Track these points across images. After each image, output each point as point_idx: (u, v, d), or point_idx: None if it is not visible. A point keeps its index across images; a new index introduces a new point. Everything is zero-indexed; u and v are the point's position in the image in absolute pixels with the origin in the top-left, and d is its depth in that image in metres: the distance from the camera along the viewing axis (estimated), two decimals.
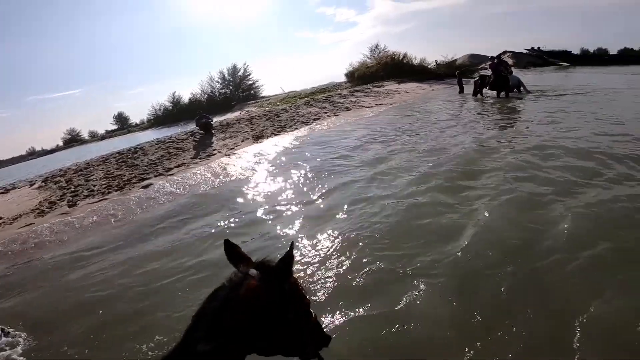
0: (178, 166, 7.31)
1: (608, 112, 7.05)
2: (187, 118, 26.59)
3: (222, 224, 4.17)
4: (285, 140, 8.45)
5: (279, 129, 9.48)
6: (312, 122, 10.02)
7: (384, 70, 22.49)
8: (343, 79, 29.32)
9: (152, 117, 40.29)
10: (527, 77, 16.05)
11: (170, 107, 37.14)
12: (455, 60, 30.19)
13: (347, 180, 4.90)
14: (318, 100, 13.77)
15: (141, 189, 6.08)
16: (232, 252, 0.99)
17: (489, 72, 13.43)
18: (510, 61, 20.34)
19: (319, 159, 6.27)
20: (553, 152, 4.77)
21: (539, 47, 64.92)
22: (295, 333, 0.93)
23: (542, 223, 2.97)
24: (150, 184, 6.24)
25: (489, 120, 8.07)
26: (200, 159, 7.75)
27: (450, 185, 4.13)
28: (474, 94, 12.84)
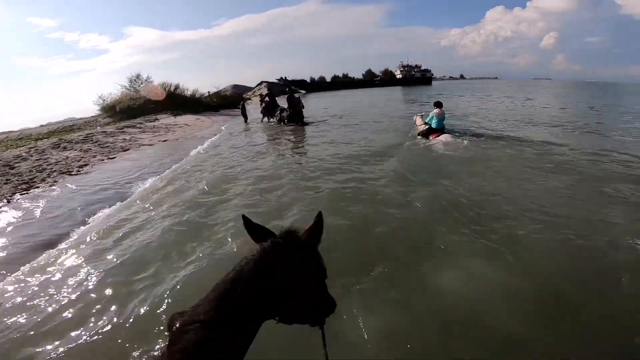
0: None
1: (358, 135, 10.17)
2: None
3: None
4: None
5: (23, 184, 6.62)
6: (79, 171, 7.76)
7: (155, 103, 20.92)
8: (93, 113, 24.84)
9: None
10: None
11: None
12: (219, 91, 32.42)
13: None
14: (74, 142, 10.83)
15: None
16: (252, 226, 1.01)
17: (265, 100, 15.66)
18: (266, 90, 23.61)
19: None
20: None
21: (285, 77, 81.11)
22: (314, 300, 0.98)
23: None
24: None
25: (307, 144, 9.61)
26: None
27: None
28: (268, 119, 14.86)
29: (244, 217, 1.03)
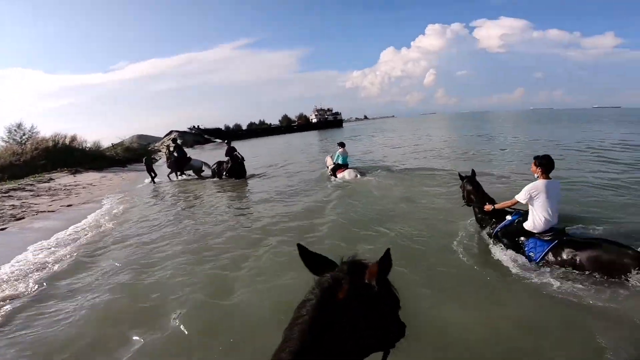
0: None
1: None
2: None
3: None
4: None
5: None
6: None
7: (47, 158, 17.94)
8: None
9: None
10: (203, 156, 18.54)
11: None
12: (124, 142, 29.80)
13: None
14: None
15: None
16: (308, 255, 0.97)
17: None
18: (179, 141, 21.62)
19: None
20: None
21: (198, 126, 78.50)
22: (389, 325, 0.97)
23: None
24: None
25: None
26: None
27: None
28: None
29: (298, 245, 1.00)
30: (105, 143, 25.71)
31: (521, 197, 3.45)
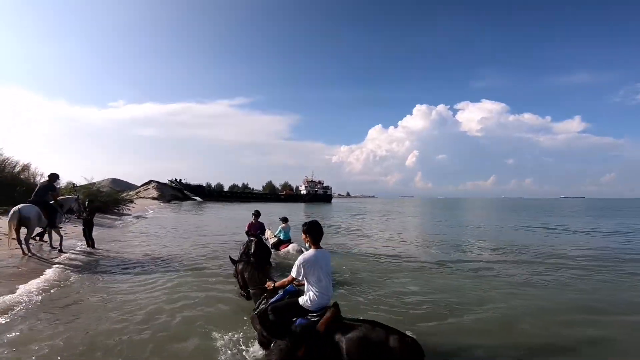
0: None
1: None
2: None
3: None
4: None
5: None
6: None
7: None
8: None
9: None
10: (186, 216, 17.25)
11: None
12: (94, 184, 27.43)
13: None
14: None
15: None
16: None
17: None
18: (155, 193, 19.48)
19: None
20: None
21: (179, 180, 77.30)
22: None
23: None
24: None
25: None
26: None
27: None
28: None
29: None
30: (81, 181, 22.33)
31: (294, 272, 3.22)
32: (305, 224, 3.38)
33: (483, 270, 8.32)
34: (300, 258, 3.19)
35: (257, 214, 9.48)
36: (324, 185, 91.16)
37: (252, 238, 7.63)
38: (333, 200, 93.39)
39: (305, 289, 3.24)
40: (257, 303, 3.80)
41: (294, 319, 3.19)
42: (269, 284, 3.73)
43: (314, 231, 3.29)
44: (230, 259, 4.67)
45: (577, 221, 25.34)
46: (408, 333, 3.10)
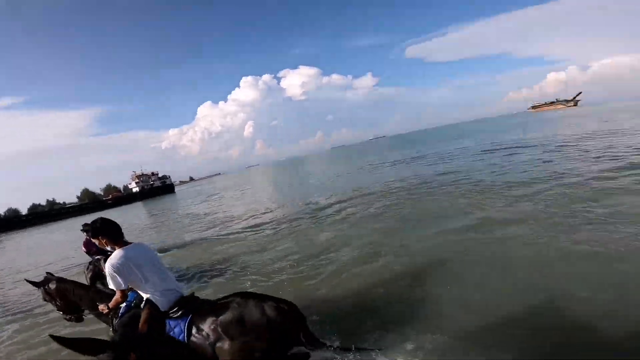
0: None
1: None
2: None
3: None
4: None
5: None
6: None
7: None
8: None
9: None
10: None
11: None
12: None
13: None
14: None
15: None
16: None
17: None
18: None
19: None
20: None
21: None
22: None
23: None
24: None
25: None
26: None
27: None
28: None
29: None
30: None
31: (112, 284, 2.61)
32: (89, 228, 2.77)
33: (341, 214, 9.52)
34: (108, 266, 2.58)
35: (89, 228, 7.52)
36: (161, 175, 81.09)
37: (98, 257, 6.08)
38: (176, 188, 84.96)
39: (142, 294, 2.75)
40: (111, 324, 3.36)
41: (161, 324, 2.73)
42: (102, 308, 3.13)
43: (107, 230, 2.69)
44: (30, 282, 3.92)
45: (392, 155, 32.03)
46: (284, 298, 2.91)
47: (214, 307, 2.69)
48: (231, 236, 9.80)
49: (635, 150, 10.36)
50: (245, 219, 12.30)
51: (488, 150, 18.11)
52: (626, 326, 2.85)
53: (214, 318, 2.60)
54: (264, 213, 12.75)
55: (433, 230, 6.23)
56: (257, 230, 9.80)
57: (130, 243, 2.76)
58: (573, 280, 3.68)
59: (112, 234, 2.70)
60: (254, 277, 5.79)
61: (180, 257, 8.51)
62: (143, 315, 2.62)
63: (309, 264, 5.85)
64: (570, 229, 5.05)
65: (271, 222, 10.62)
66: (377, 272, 4.88)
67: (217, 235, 10.45)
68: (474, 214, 6.77)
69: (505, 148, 17.39)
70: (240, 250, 7.87)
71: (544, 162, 11.16)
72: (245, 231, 10.05)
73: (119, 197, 73.55)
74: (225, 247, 8.52)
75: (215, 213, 16.66)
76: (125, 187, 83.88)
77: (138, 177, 77.71)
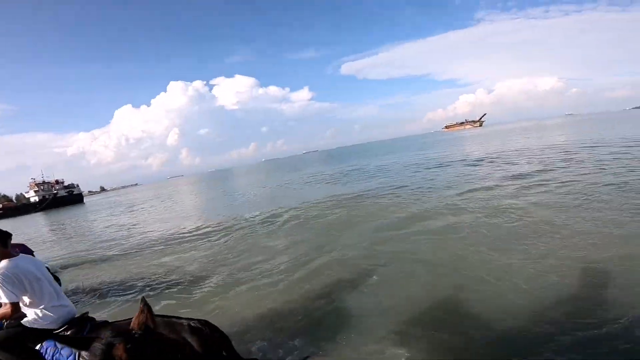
0: None
1: None
2: None
3: None
4: None
5: None
6: None
7: None
8: None
9: None
10: None
11: None
12: None
13: None
14: None
15: None
16: None
17: None
18: None
19: None
20: None
21: None
22: None
23: None
24: None
25: None
26: None
27: None
28: None
29: None
30: None
31: (4, 298, 2.36)
32: None
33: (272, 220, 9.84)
34: None
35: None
36: (67, 184, 71.39)
37: None
38: (85, 199, 75.28)
39: (28, 308, 2.48)
40: None
41: (37, 347, 2.43)
42: None
43: None
44: None
45: (327, 168, 33.26)
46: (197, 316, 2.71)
47: (113, 328, 2.36)
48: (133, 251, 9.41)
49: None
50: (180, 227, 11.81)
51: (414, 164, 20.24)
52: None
53: (110, 337, 2.02)
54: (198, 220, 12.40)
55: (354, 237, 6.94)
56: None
57: (16, 254, 2.55)
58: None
59: (3, 240, 2.48)
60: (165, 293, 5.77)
61: (86, 274, 7.93)
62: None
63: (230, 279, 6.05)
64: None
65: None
66: (290, 288, 5.32)
67: (121, 252, 9.92)
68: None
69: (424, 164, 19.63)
70: (150, 268, 7.66)
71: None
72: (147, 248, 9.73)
73: (11, 208, 62.77)
74: (127, 263, 8.22)
75: (146, 223, 15.54)
76: (20, 197, 71.92)
77: (38, 185, 67.33)
